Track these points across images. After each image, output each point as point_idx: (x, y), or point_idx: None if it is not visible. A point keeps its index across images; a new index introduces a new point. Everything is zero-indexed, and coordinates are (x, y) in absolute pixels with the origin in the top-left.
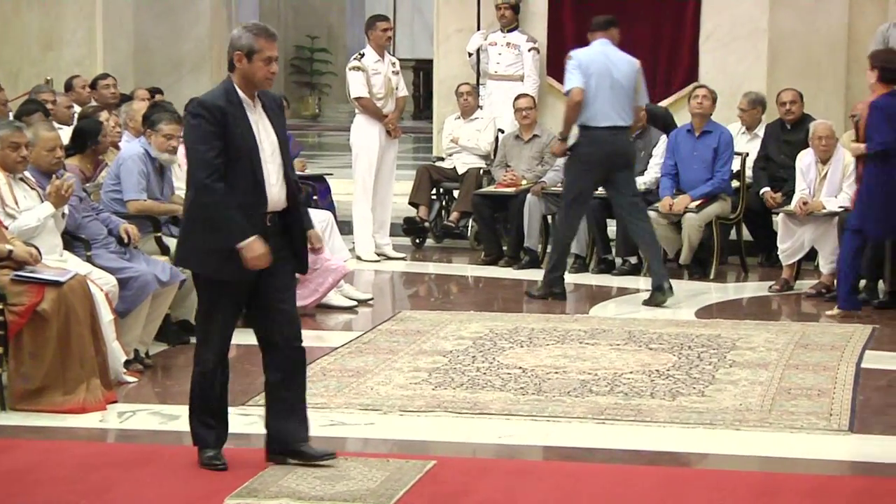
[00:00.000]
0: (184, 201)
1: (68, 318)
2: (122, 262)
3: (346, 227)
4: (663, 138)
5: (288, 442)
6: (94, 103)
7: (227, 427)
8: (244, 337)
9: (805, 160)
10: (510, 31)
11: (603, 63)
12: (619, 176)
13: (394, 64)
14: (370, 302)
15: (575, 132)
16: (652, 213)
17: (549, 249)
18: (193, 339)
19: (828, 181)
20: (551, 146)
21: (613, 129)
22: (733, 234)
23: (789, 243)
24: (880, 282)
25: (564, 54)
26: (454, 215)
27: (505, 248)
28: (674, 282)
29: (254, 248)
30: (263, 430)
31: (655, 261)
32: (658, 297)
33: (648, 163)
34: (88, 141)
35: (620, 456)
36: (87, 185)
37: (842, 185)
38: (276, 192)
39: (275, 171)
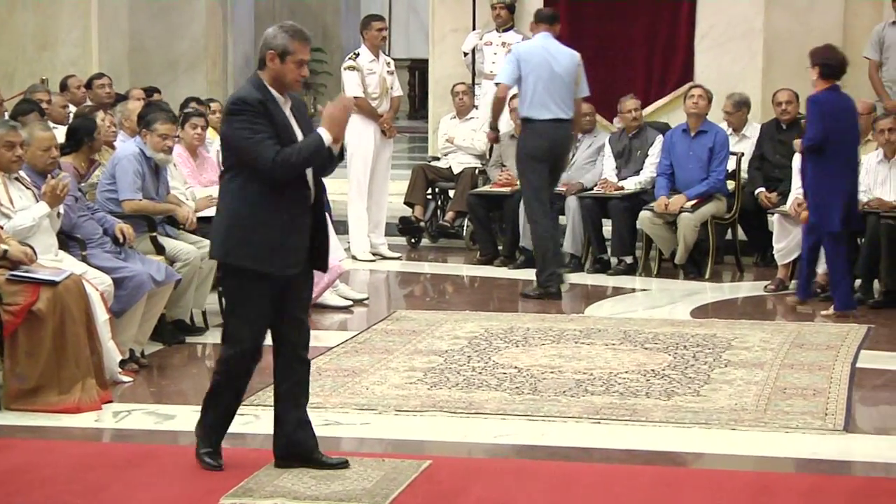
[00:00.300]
0: (220, 197)
1: (63, 317)
2: (118, 262)
3: (341, 227)
4: (659, 138)
5: (302, 452)
6: (89, 103)
7: (228, 426)
8: None
9: (800, 159)
10: (505, 30)
11: (542, 56)
12: (555, 169)
13: (389, 64)
14: (365, 302)
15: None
16: (647, 213)
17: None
18: (189, 339)
19: None
20: (486, 136)
21: (555, 122)
22: (729, 234)
23: (784, 243)
24: (875, 282)
25: None
26: (449, 215)
27: (500, 247)
28: (669, 281)
29: (333, 121)
30: (272, 435)
31: (548, 266)
32: (542, 297)
33: (644, 162)
34: (84, 138)
35: (616, 456)
36: (82, 184)
37: None
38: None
39: (307, 170)
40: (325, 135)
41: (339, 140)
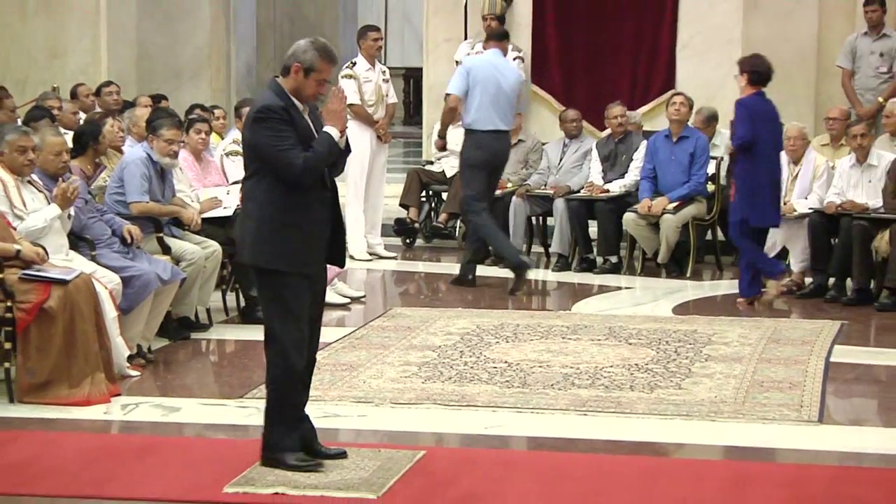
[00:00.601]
0: (245, 201)
1: (74, 314)
2: (126, 262)
3: None
4: (644, 143)
5: (304, 445)
6: (98, 109)
7: (310, 422)
8: (241, 332)
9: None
10: None
11: (490, 72)
12: (493, 174)
13: (384, 72)
14: (363, 299)
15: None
16: (631, 215)
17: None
18: (193, 335)
19: (799, 182)
20: (434, 143)
21: (495, 133)
22: (709, 235)
23: None
24: (848, 280)
25: (548, 63)
26: (443, 216)
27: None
28: (652, 280)
29: (334, 115)
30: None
31: (503, 246)
32: (521, 277)
33: (629, 166)
34: (90, 142)
35: (601, 446)
36: (91, 186)
37: (812, 186)
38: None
39: (325, 173)
40: (332, 130)
41: (343, 131)
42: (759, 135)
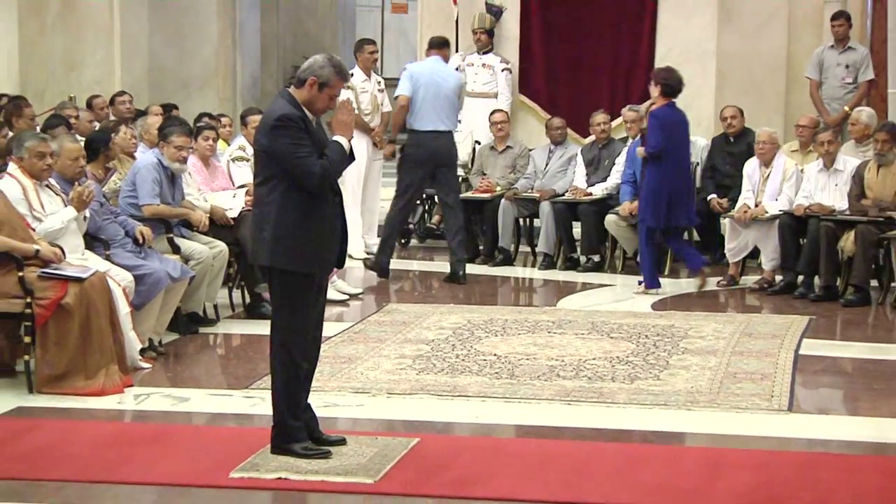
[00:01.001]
0: (259, 206)
1: (89, 310)
2: (138, 261)
3: None
4: (625, 149)
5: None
6: (112, 118)
7: (312, 411)
8: (247, 327)
9: (750, 166)
10: (485, 53)
11: (431, 76)
12: (440, 173)
13: (379, 83)
14: (360, 296)
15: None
16: (613, 216)
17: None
18: (202, 330)
19: (770, 184)
20: (384, 149)
21: (435, 133)
22: (685, 236)
23: (735, 243)
24: (816, 277)
25: (534, 74)
26: (436, 218)
27: (481, 247)
28: (632, 277)
29: (344, 126)
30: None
31: (385, 246)
32: (372, 269)
33: (611, 171)
34: (101, 148)
35: (585, 434)
36: (105, 190)
37: (782, 188)
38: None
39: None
40: (342, 140)
41: (350, 140)
42: (669, 144)
